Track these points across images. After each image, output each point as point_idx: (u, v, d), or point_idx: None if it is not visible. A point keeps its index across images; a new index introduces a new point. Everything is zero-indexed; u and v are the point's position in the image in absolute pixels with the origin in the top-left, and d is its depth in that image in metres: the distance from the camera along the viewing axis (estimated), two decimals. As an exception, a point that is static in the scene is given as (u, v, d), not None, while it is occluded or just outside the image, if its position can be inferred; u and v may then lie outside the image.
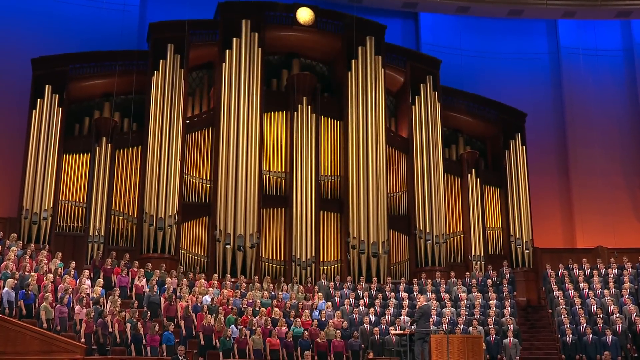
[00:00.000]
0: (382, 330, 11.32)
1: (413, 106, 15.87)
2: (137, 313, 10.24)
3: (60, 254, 11.99)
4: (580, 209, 17.22)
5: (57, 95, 13.91)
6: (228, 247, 13.74)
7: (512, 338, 11.27)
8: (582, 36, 18.29)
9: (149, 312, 10.52)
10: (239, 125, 14.45)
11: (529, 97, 17.56)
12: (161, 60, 14.43)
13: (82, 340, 9.58)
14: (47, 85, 13.85)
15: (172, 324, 10.39)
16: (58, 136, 13.76)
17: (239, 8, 15.12)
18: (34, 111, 13.72)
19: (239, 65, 14.74)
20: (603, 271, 13.44)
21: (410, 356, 9.29)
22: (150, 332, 9.86)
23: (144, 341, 9.81)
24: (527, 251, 15.61)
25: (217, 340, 10.36)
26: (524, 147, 16.44)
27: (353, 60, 15.46)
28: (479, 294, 12.84)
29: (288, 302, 12.02)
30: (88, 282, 11.10)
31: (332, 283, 13.19)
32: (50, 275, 10.73)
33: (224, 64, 14.73)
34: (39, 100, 13.78)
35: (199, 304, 11.12)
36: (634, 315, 11.57)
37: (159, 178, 13.79)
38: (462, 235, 15.75)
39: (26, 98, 13.96)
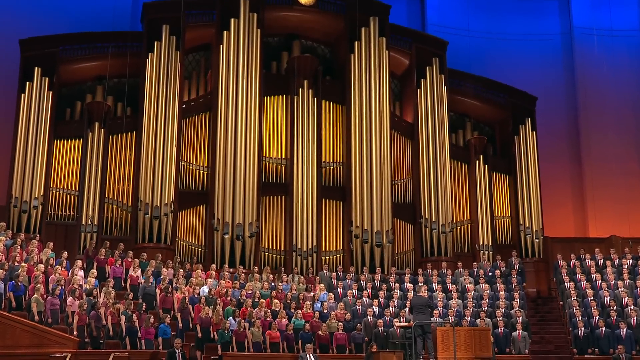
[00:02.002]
0: (386, 322, 11.16)
1: (418, 90, 15.53)
2: (132, 305, 10.11)
3: (52, 243, 11.78)
4: (592, 196, 16.91)
5: (47, 78, 13.65)
6: (226, 236, 13.52)
7: (521, 331, 11.14)
8: (596, 15, 17.86)
9: (144, 304, 10.39)
10: (237, 109, 14.15)
11: (540, 80, 17.23)
12: (156, 42, 14.12)
13: (75, 333, 9.52)
14: (36, 68, 13.58)
15: (169, 316, 10.25)
16: (48, 121, 13.53)
17: (238, -13, 14.64)
18: (22, 95, 13.48)
19: (237, 47, 14.42)
20: (617, 261, 13.26)
21: (414, 349, 8.94)
22: (145, 324, 9.78)
23: (139, 334, 9.71)
24: (537, 241, 15.32)
25: (215, 333, 10.23)
26: (534, 132, 16.11)
27: (356, 42, 15.14)
28: (486, 285, 12.65)
29: (288, 293, 11.83)
30: (81, 272, 10.99)
31: (334, 273, 13.03)
32: (41, 266, 10.58)
33: (221, 45, 14.41)
34: (28, 83, 13.53)
35: (196, 295, 11.05)
36: (650, 307, 11.20)
37: (154, 165, 13.58)
38: (469, 224, 15.49)
39: (14, 81, 13.69)
